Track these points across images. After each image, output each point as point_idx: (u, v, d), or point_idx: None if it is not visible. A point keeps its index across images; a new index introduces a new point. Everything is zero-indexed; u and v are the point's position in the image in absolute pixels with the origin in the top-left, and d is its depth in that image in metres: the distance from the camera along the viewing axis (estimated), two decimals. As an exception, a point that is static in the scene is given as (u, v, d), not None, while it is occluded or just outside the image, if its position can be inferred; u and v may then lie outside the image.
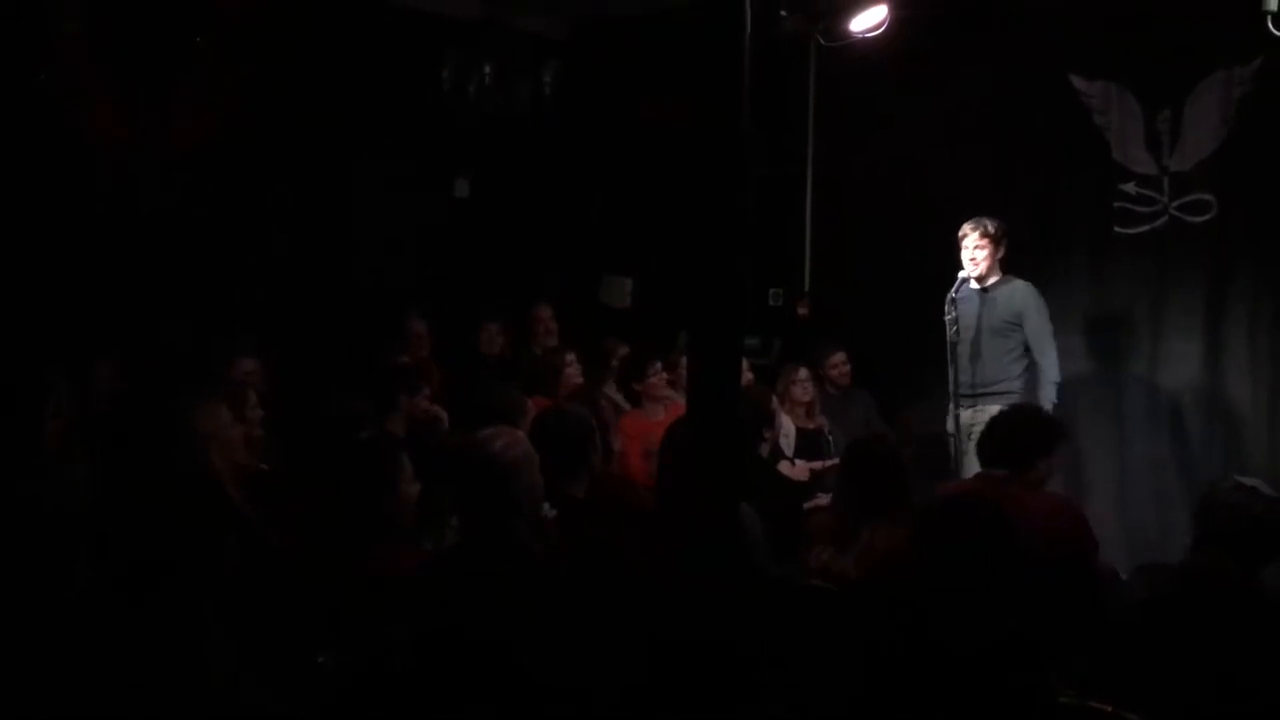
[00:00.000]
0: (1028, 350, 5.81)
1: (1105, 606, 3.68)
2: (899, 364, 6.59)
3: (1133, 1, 6.03)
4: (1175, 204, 6.19)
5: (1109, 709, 2.52)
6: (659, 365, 5.93)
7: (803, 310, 7.47)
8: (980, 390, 5.70)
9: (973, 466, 5.32)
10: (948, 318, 5.68)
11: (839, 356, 6.58)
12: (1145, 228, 6.22)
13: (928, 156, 6.73)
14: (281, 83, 6.51)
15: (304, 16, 6.47)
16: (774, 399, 6.12)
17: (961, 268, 5.82)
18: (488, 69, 7.24)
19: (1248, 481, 3.29)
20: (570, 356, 6.16)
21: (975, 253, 5.77)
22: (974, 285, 5.81)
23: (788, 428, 5.99)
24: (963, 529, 2.71)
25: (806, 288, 7.55)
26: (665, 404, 5.86)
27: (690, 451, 3.04)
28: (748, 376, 5.87)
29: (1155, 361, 6.29)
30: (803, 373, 6.32)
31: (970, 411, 5.63)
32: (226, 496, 3.37)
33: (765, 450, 5.08)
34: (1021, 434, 4.07)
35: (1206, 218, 6.11)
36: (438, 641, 2.76)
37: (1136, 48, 6.16)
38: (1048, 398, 5.67)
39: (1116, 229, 6.20)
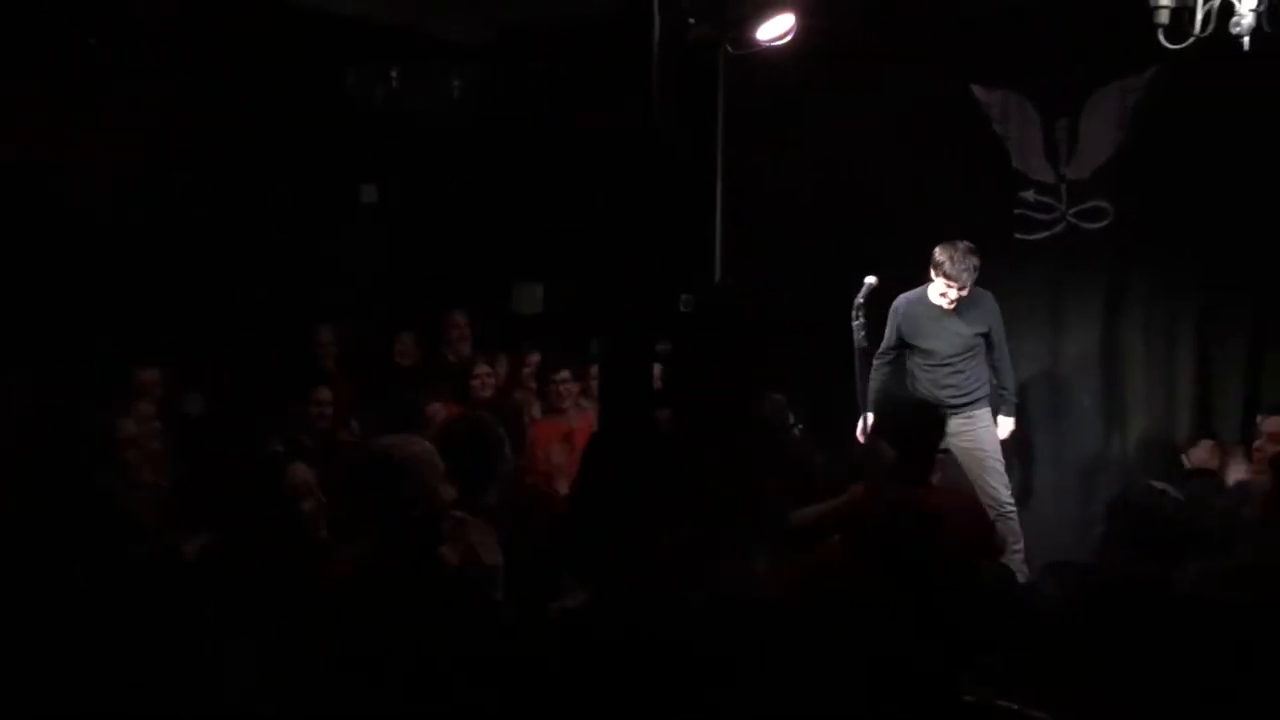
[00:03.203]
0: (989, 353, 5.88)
1: (1015, 603, 3.76)
2: (808, 369, 6.64)
3: (1030, 13, 6.17)
4: (1073, 211, 6.36)
5: (1015, 707, 2.56)
6: (567, 373, 5.91)
7: (714, 316, 7.49)
8: (962, 401, 5.73)
9: (983, 471, 5.65)
10: (856, 322, 5.71)
11: (749, 363, 6.59)
12: (1045, 234, 6.38)
13: (836, 163, 6.81)
14: (191, 89, 6.37)
15: (214, 22, 6.34)
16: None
17: (870, 273, 5.84)
18: (394, 74, 7.16)
19: (1159, 485, 3.39)
20: (485, 369, 6.11)
21: (961, 292, 5.65)
22: (936, 301, 5.74)
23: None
24: (897, 536, 2.74)
25: (717, 294, 7.58)
26: (577, 409, 5.84)
27: (603, 456, 3.05)
28: (660, 384, 5.87)
29: (1056, 362, 6.46)
30: (714, 378, 6.33)
31: (955, 421, 5.61)
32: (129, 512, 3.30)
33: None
34: (917, 433, 4.15)
35: (1103, 224, 6.29)
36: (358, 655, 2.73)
37: (1034, 58, 6.31)
38: (1010, 414, 5.88)
39: (1017, 235, 6.34)
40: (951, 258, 5.63)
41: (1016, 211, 6.45)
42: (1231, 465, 5.26)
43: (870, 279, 5.80)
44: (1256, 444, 5.11)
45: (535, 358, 6.48)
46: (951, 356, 5.75)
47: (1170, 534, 3.24)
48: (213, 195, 6.70)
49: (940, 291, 5.69)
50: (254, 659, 2.83)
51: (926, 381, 5.77)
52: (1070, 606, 3.32)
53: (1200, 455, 5.48)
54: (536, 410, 6.13)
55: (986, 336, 5.81)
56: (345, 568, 3.27)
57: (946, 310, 5.73)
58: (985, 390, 5.83)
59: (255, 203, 6.91)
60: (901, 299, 5.87)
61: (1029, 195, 6.46)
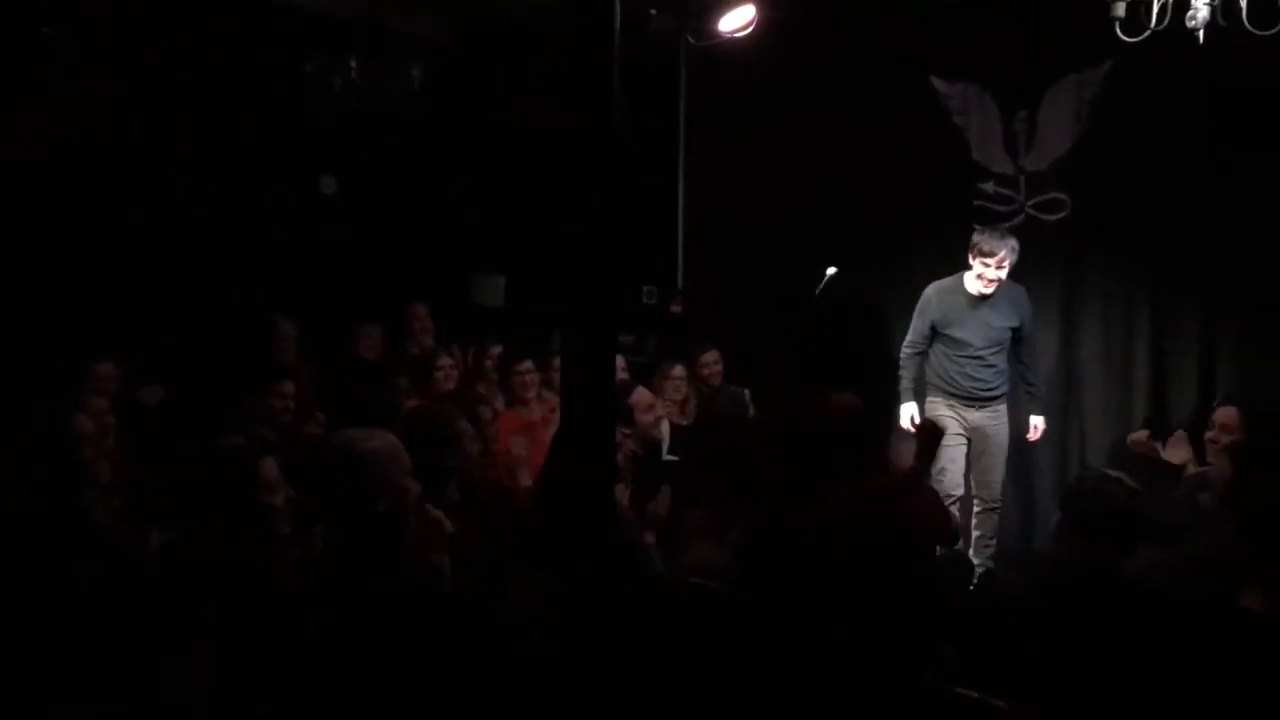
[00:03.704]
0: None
1: (972, 591, 3.79)
2: (772, 361, 6.67)
3: (989, 6, 6.22)
4: (1031, 202, 6.42)
5: (975, 695, 2.59)
6: (529, 364, 5.90)
7: (676, 308, 7.51)
8: (989, 394, 5.81)
9: (991, 465, 5.74)
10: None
11: (711, 355, 6.61)
12: (1004, 225, 6.42)
13: (797, 154, 6.84)
14: (145, 81, 6.28)
15: (168, 13, 6.26)
16: (645, 395, 6.15)
17: (831, 264, 5.87)
18: (353, 64, 7.11)
19: (1114, 473, 3.42)
20: (447, 361, 6.09)
21: (999, 273, 5.71)
22: (971, 288, 5.80)
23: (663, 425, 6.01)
24: (875, 536, 2.76)
25: (680, 285, 7.60)
26: (540, 401, 5.83)
27: (565, 450, 3.04)
28: (624, 376, 5.88)
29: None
30: (677, 370, 6.35)
31: (982, 414, 5.78)
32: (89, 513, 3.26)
33: (639, 447, 5.09)
34: (872, 425, 4.19)
35: (1061, 215, 6.36)
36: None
37: (993, 51, 6.36)
38: (1040, 410, 5.96)
39: (977, 226, 6.38)
40: (987, 235, 5.70)
41: (976, 203, 6.51)
42: (1186, 455, 5.33)
43: (831, 270, 5.84)
44: (1210, 434, 5.18)
45: (497, 349, 6.46)
46: (982, 349, 5.80)
47: (1124, 523, 3.28)
48: (169, 187, 6.62)
49: (977, 274, 5.72)
50: (218, 658, 2.81)
51: (955, 372, 5.81)
52: (1025, 594, 3.35)
53: (1154, 444, 5.55)
54: (499, 402, 6.11)
55: (1016, 330, 5.85)
56: (309, 563, 3.27)
57: (981, 300, 5.76)
58: (1007, 386, 5.89)
59: (213, 194, 6.83)
60: (931, 288, 5.91)
61: (988, 187, 6.52)
